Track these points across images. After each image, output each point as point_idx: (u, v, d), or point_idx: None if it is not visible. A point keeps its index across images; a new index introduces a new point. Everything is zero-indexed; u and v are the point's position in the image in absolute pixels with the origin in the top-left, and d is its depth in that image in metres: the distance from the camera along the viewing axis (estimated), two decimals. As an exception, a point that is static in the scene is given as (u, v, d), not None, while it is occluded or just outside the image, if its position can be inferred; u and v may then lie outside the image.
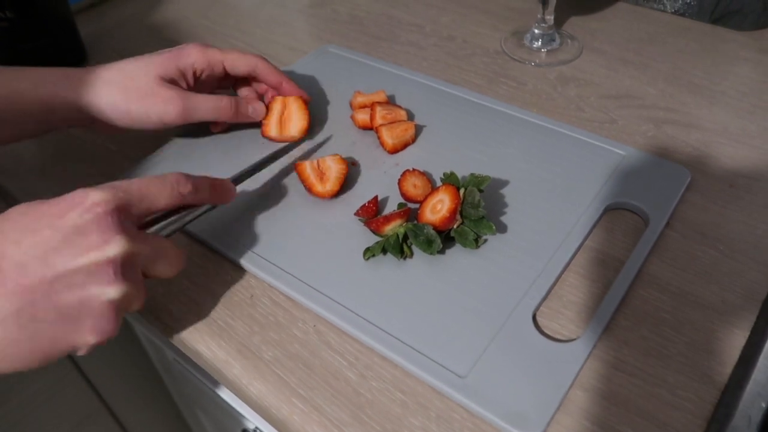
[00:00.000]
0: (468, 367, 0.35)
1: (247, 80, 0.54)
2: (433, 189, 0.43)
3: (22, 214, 0.31)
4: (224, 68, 0.50)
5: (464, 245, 0.41)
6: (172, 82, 0.48)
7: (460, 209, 0.41)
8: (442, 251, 0.41)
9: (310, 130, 0.52)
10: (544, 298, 0.39)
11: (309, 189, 0.46)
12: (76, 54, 0.67)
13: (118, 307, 0.32)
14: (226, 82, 0.53)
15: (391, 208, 0.45)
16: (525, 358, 0.35)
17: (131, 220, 0.34)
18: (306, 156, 0.51)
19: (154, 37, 0.72)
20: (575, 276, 0.40)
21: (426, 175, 0.46)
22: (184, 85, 0.49)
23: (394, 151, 0.50)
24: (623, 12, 0.69)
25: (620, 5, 0.70)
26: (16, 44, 0.61)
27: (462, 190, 0.41)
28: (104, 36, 0.72)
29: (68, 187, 0.33)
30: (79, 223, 0.31)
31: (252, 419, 0.61)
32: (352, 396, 0.35)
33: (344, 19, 0.72)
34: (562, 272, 0.40)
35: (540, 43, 0.63)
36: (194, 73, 0.49)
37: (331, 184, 0.46)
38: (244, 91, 0.54)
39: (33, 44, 0.62)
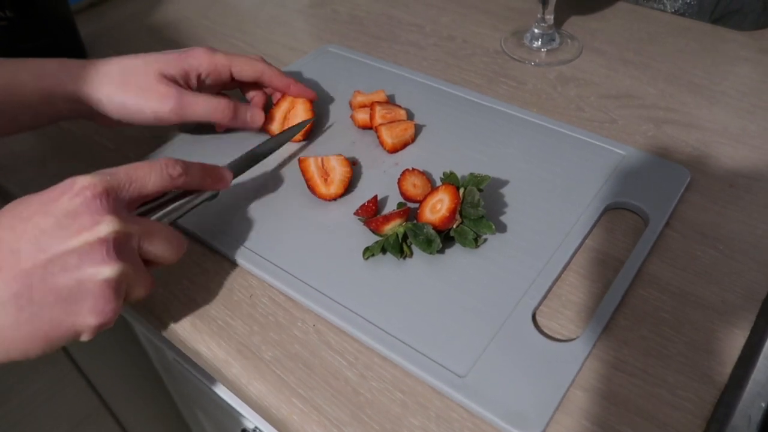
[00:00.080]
0: (467, 366, 0.35)
1: (254, 88, 0.53)
2: (433, 188, 0.43)
3: (15, 205, 0.32)
4: (231, 74, 0.50)
5: (464, 245, 0.41)
6: (172, 80, 0.47)
7: (460, 209, 0.41)
8: (441, 251, 0.41)
9: (310, 129, 0.52)
10: (544, 298, 0.39)
11: (312, 189, 0.46)
12: (75, 54, 0.67)
13: (116, 287, 0.32)
14: (233, 85, 0.53)
15: (390, 207, 0.45)
16: (524, 357, 0.35)
17: (122, 204, 0.34)
18: (307, 151, 0.51)
19: (154, 37, 0.72)
20: (575, 276, 0.40)
21: (425, 175, 0.46)
22: (185, 85, 0.48)
23: (394, 150, 0.50)
24: (623, 12, 0.69)
25: (620, 5, 0.70)
26: (15, 44, 0.61)
27: (461, 190, 0.41)
28: (104, 36, 0.72)
29: (67, 186, 0.33)
30: (69, 208, 0.31)
31: (251, 419, 0.61)
32: (352, 396, 0.35)
33: (344, 19, 0.72)
34: (562, 272, 0.40)
35: (540, 42, 0.63)
36: (198, 76, 0.49)
37: (335, 188, 0.46)
38: (251, 93, 0.54)
39: (33, 44, 0.62)
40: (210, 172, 0.40)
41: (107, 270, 0.31)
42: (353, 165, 0.49)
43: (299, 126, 0.50)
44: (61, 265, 0.30)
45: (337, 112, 0.55)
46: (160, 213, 0.38)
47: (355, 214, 0.44)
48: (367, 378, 0.36)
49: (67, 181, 0.33)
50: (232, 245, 0.43)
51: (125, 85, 0.46)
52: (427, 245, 0.40)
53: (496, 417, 0.32)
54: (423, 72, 0.60)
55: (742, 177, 0.47)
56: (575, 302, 0.39)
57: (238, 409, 0.62)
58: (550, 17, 0.62)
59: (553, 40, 0.63)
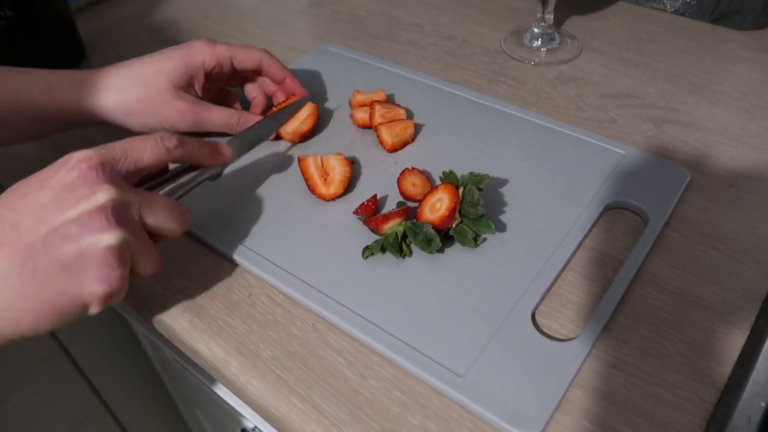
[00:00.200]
0: (467, 366, 0.35)
1: (254, 79, 0.54)
2: (433, 188, 0.43)
3: (15, 186, 0.33)
4: (232, 64, 0.50)
5: (463, 244, 0.41)
6: (185, 89, 0.48)
7: (459, 208, 0.41)
8: (441, 250, 0.41)
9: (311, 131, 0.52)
10: (543, 297, 0.39)
11: (312, 189, 0.46)
12: (75, 53, 0.67)
13: (119, 254, 0.32)
14: (234, 81, 0.53)
15: (390, 206, 0.45)
16: (524, 357, 0.35)
17: (120, 176, 0.34)
18: (306, 150, 0.51)
19: (153, 37, 0.72)
20: (574, 275, 0.40)
21: (425, 174, 0.46)
22: (197, 87, 0.49)
23: (394, 149, 0.50)
24: (623, 11, 0.69)
25: (620, 5, 0.70)
26: (15, 43, 0.61)
27: (461, 189, 0.41)
28: (104, 35, 0.72)
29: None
30: (66, 181, 0.32)
31: (251, 418, 0.61)
32: (351, 395, 0.35)
33: (344, 19, 0.72)
34: (562, 271, 0.40)
35: (540, 42, 0.63)
36: (205, 73, 0.49)
37: (335, 187, 0.45)
38: (251, 91, 0.54)
39: (32, 43, 0.62)
40: (208, 145, 0.41)
41: (107, 237, 0.31)
42: (352, 164, 0.49)
43: (297, 104, 0.51)
44: (62, 236, 0.31)
45: (336, 112, 0.55)
46: (163, 190, 0.39)
47: (354, 213, 0.44)
48: (366, 377, 0.36)
49: (64, 157, 0.33)
50: (231, 244, 0.43)
51: (141, 102, 0.46)
52: (427, 244, 0.40)
53: (496, 416, 0.32)
54: (423, 71, 0.60)
55: (742, 177, 0.47)
56: (575, 302, 0.39)
57: (237, 408, 0.62)
58: (549, 17, 0.62)
59: (553, 39, 0.63)
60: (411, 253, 0.41)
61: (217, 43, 0.49)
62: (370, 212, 0.43)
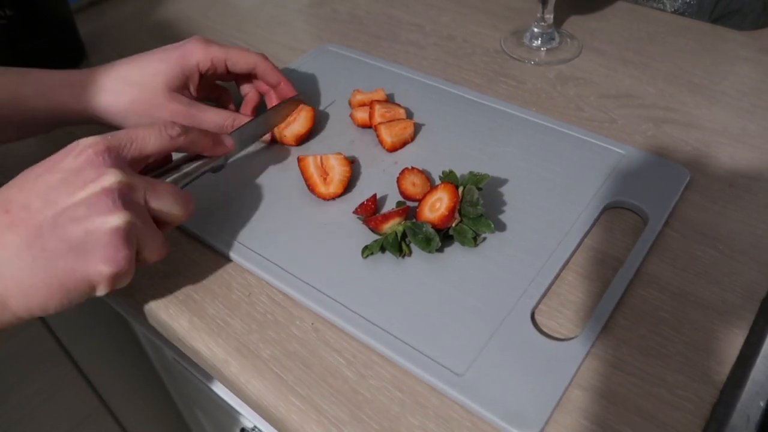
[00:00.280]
0: (466, 365, 0.35)
1: (249, 77, 0.54)
2: (432, 187, 0.43)
3: (24, 172, 0.34)
4: (226, 66, 0.50)
5: (463, 243, 0.41)
6: (179, 91, 0.48)
7: (459, 207, 0.41)
8: (440, 249, 0.41)
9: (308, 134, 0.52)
10: (543, 297, 0.39)
11: (311, 188, 0.46)
12: (75, 53, 0.67)
13: (125, 235, 0.33)
14: (228, 78, 0.54)
15: (389, 206, 0.45)
16: (523, 356, 0.35)
17: (125, 162, 0.36)
18: (306, 150, 0.51)
19: (153, 36, 0.72)
20: (574, 275, 0.40)
21: (425, 174, 0.46)
22: (191, 88, 0.50)
23: (393, 149, 0.50)
24: (623, 11, 0.69)
25: (620, 4, 0.70)
26: (15, 43, 0.61)
27: (461, 189, 0.41)
28: (103, 35, 0.73)
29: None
30: (74, 165, 0.33)
31: (250, 418, 0.61)
32: (351, 394, 0.35)
33: (344, 19, 0.72)
34: (561, 271, 0.40)
35: (539, 42, 0.63)
36: (199, 74, 0.49)
37: (334, 187, 0.45)
38: (244, 88, 0.54)
39: (32, 43, 0.62)
40: (210, 135, 0.42)
41: (114, 218, 0.32)
42: (352, 163, 0.49)
43: (289, 103, 0.51)
44: (70, 216, 0.32)
45: (336, 111, 0.55)
46: (167, 179, 0.39)
47: (354, 212, 0.44)
48: (365, 377, 0.36)
49: (71, 144, 0.35)
50: (230, 244, 0.43)
51: (136, 104, 0.47)
52: (426, 244, 0.40)
53: (495, 416, 0.32)
54: (422, 71, 0.60)
55: (741, 177, 0.47)
56: (574, 301, 0.39)
57: (237, 408, 0.62)
58: (549, 16, 0.62)
59: (553, 39, 0.63)
60: (410, 252, 0.41)
61: (211, 43, 0.49)
62: (370, 212, 0.43)
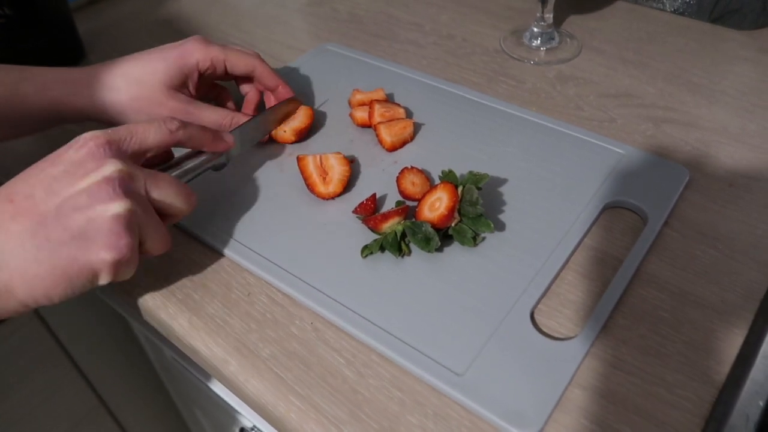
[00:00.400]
0: (466, 365, 0.35)
1: (247, 80, 0.54)
2: (432, 187, 0.43)
3: (31, 166, 0.35)
4: (225, 67, 0.50)
5: (462, 243, 0.41)
6: (178, 89, 0.48)
7: (459, 207, 0.41)
8: (440, 249, 0.41)
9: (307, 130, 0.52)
10: (543, 297, 0.39)
11: (311, 188, 0.46)
12: (74, 52, 0.67)
13: (126, 223, 0.33)
14: (227, 78, 0.53)
15: (389, 205, 0.45)
16: (523, 356, 0.35)
17: (126, 155, 0.36)
18: (305, 149, 0.51)
19: (152, 36, 0.72)
20: (573, 274, 0.40)
21: (424, 173, 0.46)
22: (190, 87, 0.50)
23: (393, 148, 0.50)
24: (622, 11, 0.69)
25: (619, 4, 0.70)
26: (14, 42, 0.61)
27: (460, 188, 0.41)
28: (102, 34, 0.72)
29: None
30: (76, 158, 0.34)
31: (250, 417, 0.61)
32: (350, 394, 0.35)
33: (343, 18, 0.72)
34: (561, 270, 0.40)
35: (539, 41, 0.63)
36: (198, 74, 0.49)
37: (333, 186, 0.45)
38: (245, 88, 0.54)
39: (32, 42, 0.62)
40: (210, 130, 0.42)
41: (115, 206, 0.33)
42: (351, 163, 0.49)
43: (287, 103, 0.51)
44: (73, 205, 0.33)
45: (335, 111, 0.55)
46: (169, 173, 0.40)
47: (353, 212, 0.44)
48: (365, 376, 0.36)
49: (74, 138, 0.36)
50: (230, 243, 0.43)
51: (134, 102, 0.47)
52: (426, 243, 0.40)
53: (494, 415, 0.32)
54: (422, 71, 0.60)
55: (741, 176, 0.47)
56: (574, 301, 0.39)
57: (236, 407, 0.62)
58: (549, 16, 0.62)
59: (553, 39, 0.63)
60: (410, 252, 0.41)
61: (211, 43, 0.49)
62: (369, 211, 0.43)
